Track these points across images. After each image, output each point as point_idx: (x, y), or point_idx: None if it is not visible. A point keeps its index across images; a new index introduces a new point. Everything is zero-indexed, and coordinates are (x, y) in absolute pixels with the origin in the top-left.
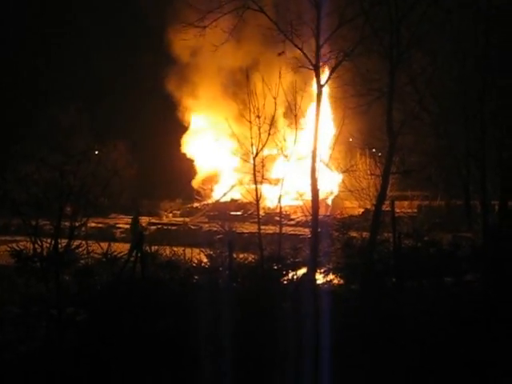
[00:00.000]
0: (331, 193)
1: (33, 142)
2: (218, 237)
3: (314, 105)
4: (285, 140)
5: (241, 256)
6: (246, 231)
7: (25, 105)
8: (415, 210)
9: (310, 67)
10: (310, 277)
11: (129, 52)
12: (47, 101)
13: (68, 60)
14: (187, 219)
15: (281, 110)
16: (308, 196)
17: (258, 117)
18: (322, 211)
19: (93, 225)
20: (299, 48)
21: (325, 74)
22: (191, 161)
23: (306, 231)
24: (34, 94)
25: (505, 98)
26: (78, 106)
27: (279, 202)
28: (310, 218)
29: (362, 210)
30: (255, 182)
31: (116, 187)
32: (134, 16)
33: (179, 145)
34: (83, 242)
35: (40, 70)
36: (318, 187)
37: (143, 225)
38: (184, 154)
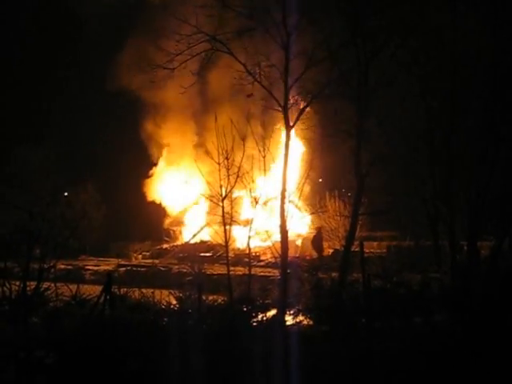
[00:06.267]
0: (301, 234)
1: (1, 183)
2: (188, 278)
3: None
4: (253, 182)
5: (210, 298)
6: (215, 273)
7: None
8: (384, 251)
9: (279, 109)
10: (279, 318)
11: (97, 93)
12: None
13: (36, 99)
14: (156, 261)
15: (250, 151)
16: (277, 237)
17: (227, 159)
18: (291, 252)
19: (62, 267)
20: (268, 90)
21: (293, 116)
22: (161, 203)
23: (276, 272)
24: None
25: (472, 139)
26: (46, 146)
27: (248, 243)
28: (280, 259)
29: (331, 251)
30: (224, 224)
31: (85, 229)
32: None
33: (148, 186)
34: (52, 285)
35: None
36: (288, 228)
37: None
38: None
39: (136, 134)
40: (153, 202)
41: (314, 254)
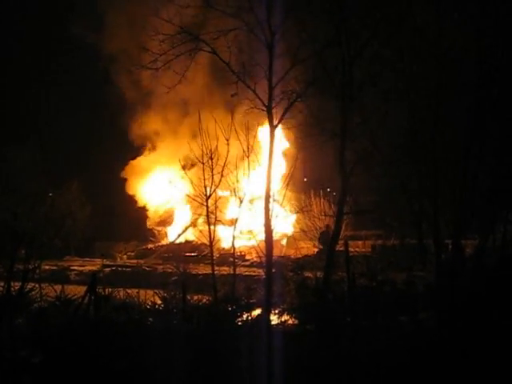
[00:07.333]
0: (285, 233)
1: None
2: (173, 278)
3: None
4: (238, 181)
5: (195, 297)
6: (200, 272)
7: None
8: (369, 250)
9: (263, 108)
10: (264, 318)
11: (80, 92)
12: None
13: (19, 98)
14: (141, 261)
15: (234, 151)
16: (262, 236)
17: (211, 158)
18: (276, 252)
19: (47, 267)
20: (252, 89)
21: (277, 115)
22: (144, 203)
23: (261, 272)
24: None
25: (457, 137)
26: (31, 147)
27: (233, 243)
28: (265, 258)
29: (316, 250)
30: (208, 224)
31: (70, 229)
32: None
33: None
34: (37, 285)
35: None
36: (272, 227)
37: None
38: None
39: (122, 136)
40: (137, 202)
41: (300, 253)
